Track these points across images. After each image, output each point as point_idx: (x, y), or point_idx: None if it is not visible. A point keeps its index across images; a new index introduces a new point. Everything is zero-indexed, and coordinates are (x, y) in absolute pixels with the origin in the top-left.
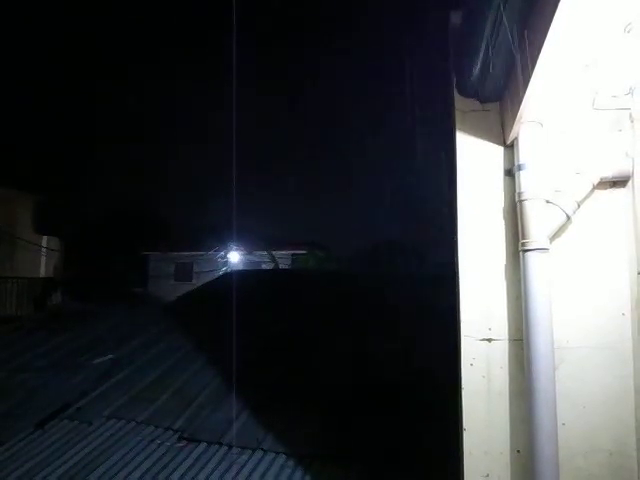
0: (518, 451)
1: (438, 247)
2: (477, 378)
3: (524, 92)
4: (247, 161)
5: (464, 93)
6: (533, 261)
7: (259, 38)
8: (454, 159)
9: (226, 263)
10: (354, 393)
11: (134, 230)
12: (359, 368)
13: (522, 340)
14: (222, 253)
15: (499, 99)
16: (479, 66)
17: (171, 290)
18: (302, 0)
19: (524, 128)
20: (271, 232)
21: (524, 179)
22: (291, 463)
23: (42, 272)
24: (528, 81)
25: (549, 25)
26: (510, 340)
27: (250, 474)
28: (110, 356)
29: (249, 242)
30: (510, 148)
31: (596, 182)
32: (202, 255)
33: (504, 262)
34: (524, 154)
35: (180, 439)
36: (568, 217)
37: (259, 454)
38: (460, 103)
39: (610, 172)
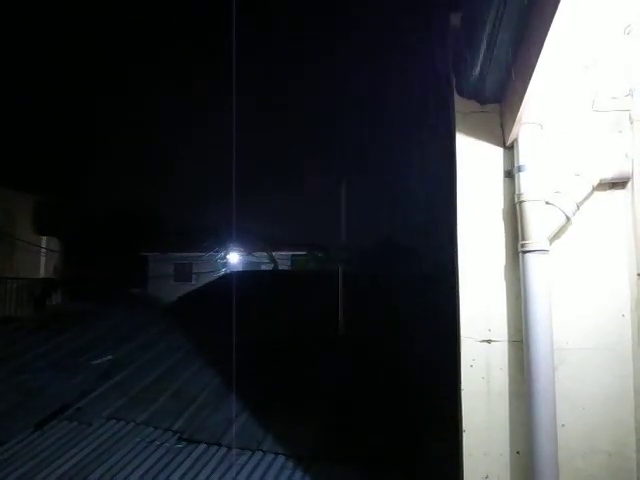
0: (518, 452)
1: (438, 248)
2: (477, 379)
3: (524, 93)
4: (247, 161)
5: (464, 94)
6: (533, 262)
7: (259, 38)
8: (454, 160)
9: (226, 264)
10: (354, 393)
11: (134, 230)
12: (359, 368)
13: (522, 341)
14: (222, 254)
15: (499, 100)
16: (479, 67)
17: (171, 291)
18: (301, 1)
19: (524, 129)
20: (271, 233)
21: (524, 180)
22: (291, 464)
23: (42, 272)
24: (528, 82)
25: (549, 26)
26: (510, 341)
27: (250, 475)
28: (110, 357)
29: (249, 243)
30: (510, 149)
31: (596, 183)
32: (202, 256)
33: (504, 263)
34: (524, 155)
35: (179, 440)
36: (568, 218)
37: (259, 455)
38: (460, 104)
39: (610, 173)
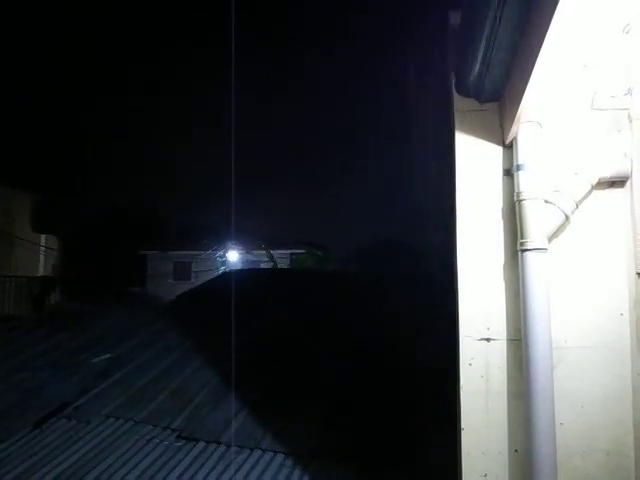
0: (516, 451)
1: (437, 247)
2: (475, 378)
3: (523, 92)
4: (246, 161)
5: (463, 93)
6: (532, 261)
7: (258, 38)
8: (453, 159)
9: (225, 262)
10: (353, 392)
11: (133, 229)
12: (358, 368)
13: (520, 340)
14: (221, 252)
15: (498, 99)
16: (478, 66)
17: (170, 289)
18: (300, 1)
19: (523, 128)
20: (270, 231)
21: (523, 179)
22: (289, 462)
23: (41, 271)
24: (527, 81)
25: (548, 25)
26: (508, 340)
27: (248, 473)
28: (108, 355)
29: (248, 241)
30: (509, 148)
31: (595, 182)
32: (201, 254)
33: (503, 262)
34: (523, 154)
35: (178, 438)
36: (567, 217)
37: (257, 453)
38: (459, 103)
39: (609, 172)
